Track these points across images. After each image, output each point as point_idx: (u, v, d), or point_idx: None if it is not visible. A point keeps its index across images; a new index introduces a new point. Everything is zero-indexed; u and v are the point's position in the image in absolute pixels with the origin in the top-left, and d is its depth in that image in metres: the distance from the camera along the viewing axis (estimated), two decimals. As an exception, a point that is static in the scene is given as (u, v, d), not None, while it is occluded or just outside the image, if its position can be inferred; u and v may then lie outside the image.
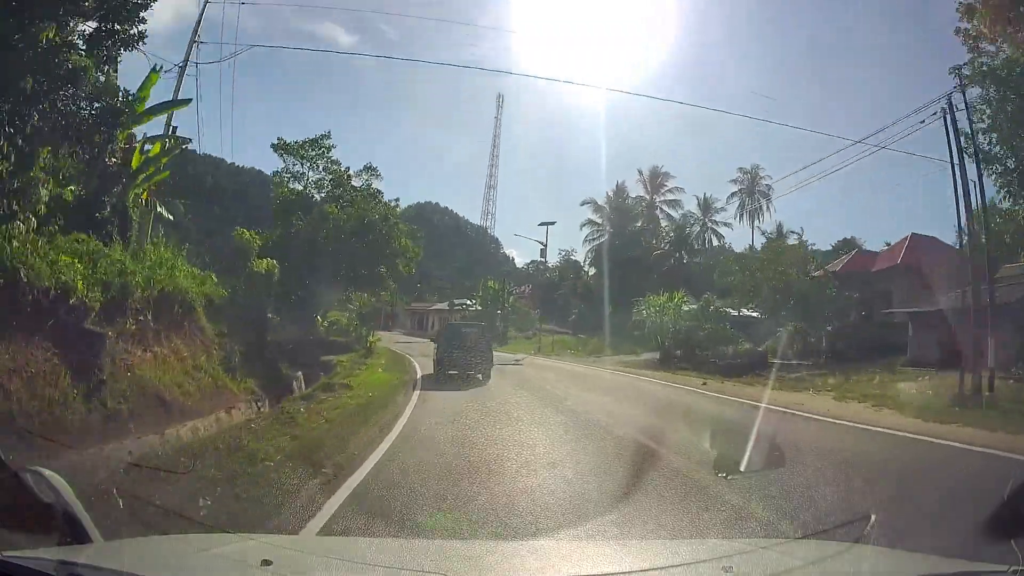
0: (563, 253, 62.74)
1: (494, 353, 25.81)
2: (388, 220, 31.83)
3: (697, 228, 53.90)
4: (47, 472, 2.05)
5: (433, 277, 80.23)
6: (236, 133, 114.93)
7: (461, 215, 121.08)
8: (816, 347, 22.79)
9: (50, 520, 1.98)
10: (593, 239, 56.03)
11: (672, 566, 2.26)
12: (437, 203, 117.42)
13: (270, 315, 25.47)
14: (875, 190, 79.15)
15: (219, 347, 13.79)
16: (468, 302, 60.73)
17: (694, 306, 31.38)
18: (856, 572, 2.14)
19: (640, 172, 57.10)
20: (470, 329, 22.35)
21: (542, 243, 49.29)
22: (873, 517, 2.85)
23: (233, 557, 2.16)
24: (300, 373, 19.00)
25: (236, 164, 70.57)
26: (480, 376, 18.69)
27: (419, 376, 19.74)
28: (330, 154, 33.51)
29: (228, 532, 3.46)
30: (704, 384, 17.98)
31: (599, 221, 55.69)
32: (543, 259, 51.14)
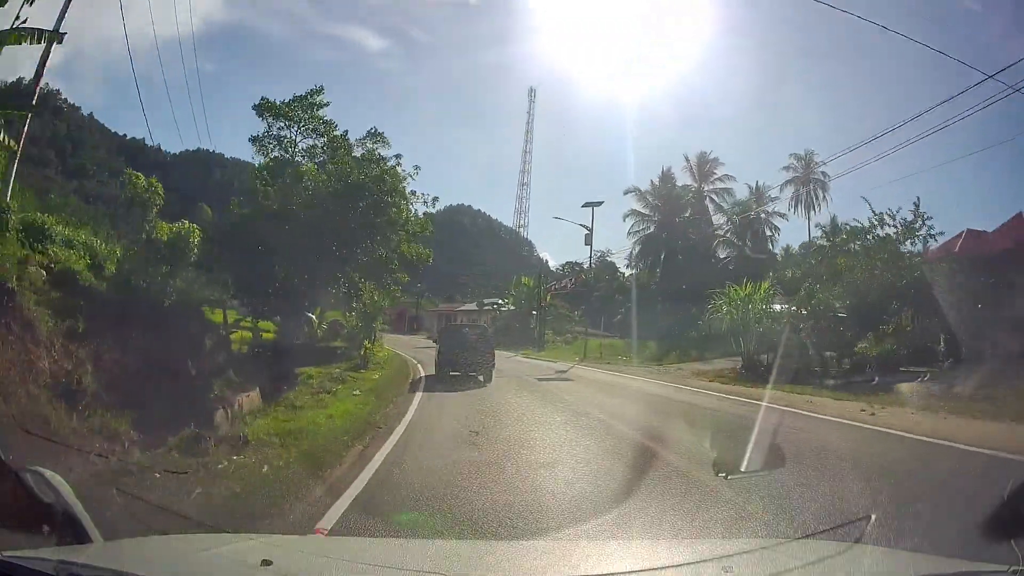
0: (599, 254, 61.13)
1: (530, 361, 24.39)
2: (384, 182, 25.34)
3: (750, 219, 53.14)
4: (47, 472, 2.15)
5: (464, 277, 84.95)
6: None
7: (494, 217, 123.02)
8: (931, 347, 19.03)
9: (50, 520, 2.00)
10: (638, 231, 55.17)
11: (672, 566, 2.32)
12: (469, 205, 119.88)
13: (223, 309, 22.68)
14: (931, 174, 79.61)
15: (65, 356, 9.40)
16: (500, 302, 59.76)
17: (783, 305, 27.42)
18: (856, 572, 2.24)
19: (687, 158, 55.56)
20: (471, 329, 25.66)
21: (587, 227, 44.77)
22: (873, 517, 2.86)
23: (233, 557, 2.22)
24: (247, 395, 13.47)
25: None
26: (482, 378, 20.58)
27: (415, 401, 15.05)
28: (321, 112, 27.92)
29: (228, 532, 3.43)
30: (871, 414, 12.83)
31: (646, 211, 54.68)
32: (588, 245, 45.84)
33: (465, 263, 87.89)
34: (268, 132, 27.89)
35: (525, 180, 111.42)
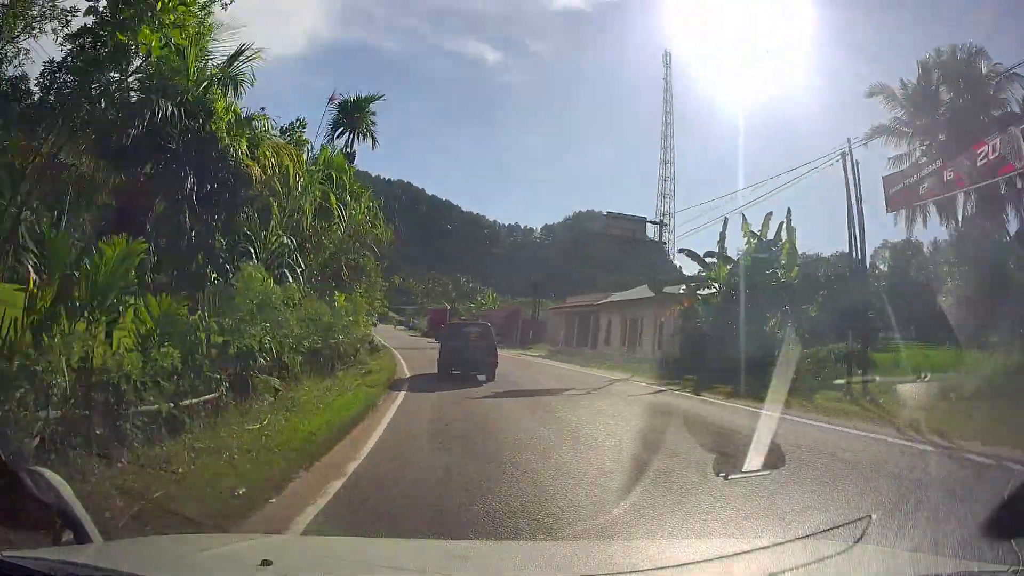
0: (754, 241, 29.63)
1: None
2: None
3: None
4: (47, 472, 2.13)
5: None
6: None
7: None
8: None
9: (50, 520, 2.00)
10: (897, 157, 30.96)
11: (672, 566, 2.28)
12: (600, 211, 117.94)
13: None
14: None
15: None
16: (707, 273, 31.23)
17: None
18: (856, 572, 2.17)
19: (938, 51, 31.76)
20: (472, 328, 24.98)
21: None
22: (873, 516, 2.84)
23: (233, 557, 2.22)
24: None
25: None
26: (482, 377, 20.78)
27: None
28: None
29: (228, 532, 3.46)
30: None
31: (906, 128, 31.17)
32: None
33: (592, 266, 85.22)
34: None
35: (668, 157, 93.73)
